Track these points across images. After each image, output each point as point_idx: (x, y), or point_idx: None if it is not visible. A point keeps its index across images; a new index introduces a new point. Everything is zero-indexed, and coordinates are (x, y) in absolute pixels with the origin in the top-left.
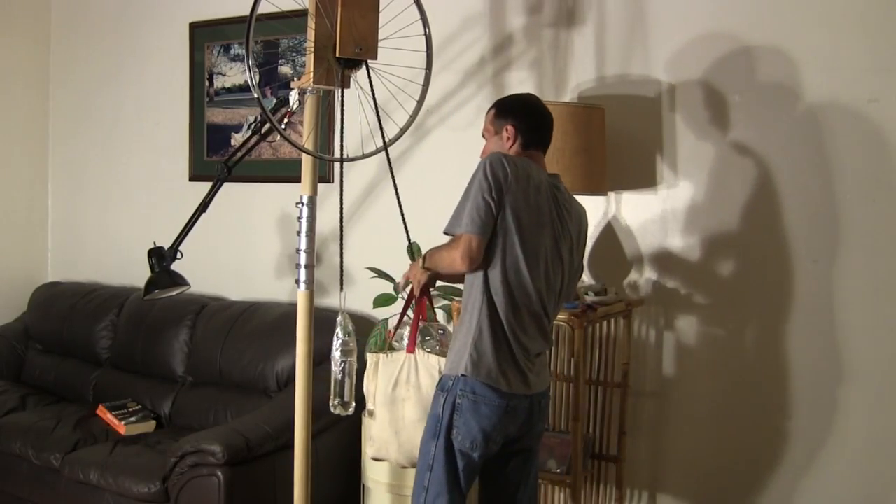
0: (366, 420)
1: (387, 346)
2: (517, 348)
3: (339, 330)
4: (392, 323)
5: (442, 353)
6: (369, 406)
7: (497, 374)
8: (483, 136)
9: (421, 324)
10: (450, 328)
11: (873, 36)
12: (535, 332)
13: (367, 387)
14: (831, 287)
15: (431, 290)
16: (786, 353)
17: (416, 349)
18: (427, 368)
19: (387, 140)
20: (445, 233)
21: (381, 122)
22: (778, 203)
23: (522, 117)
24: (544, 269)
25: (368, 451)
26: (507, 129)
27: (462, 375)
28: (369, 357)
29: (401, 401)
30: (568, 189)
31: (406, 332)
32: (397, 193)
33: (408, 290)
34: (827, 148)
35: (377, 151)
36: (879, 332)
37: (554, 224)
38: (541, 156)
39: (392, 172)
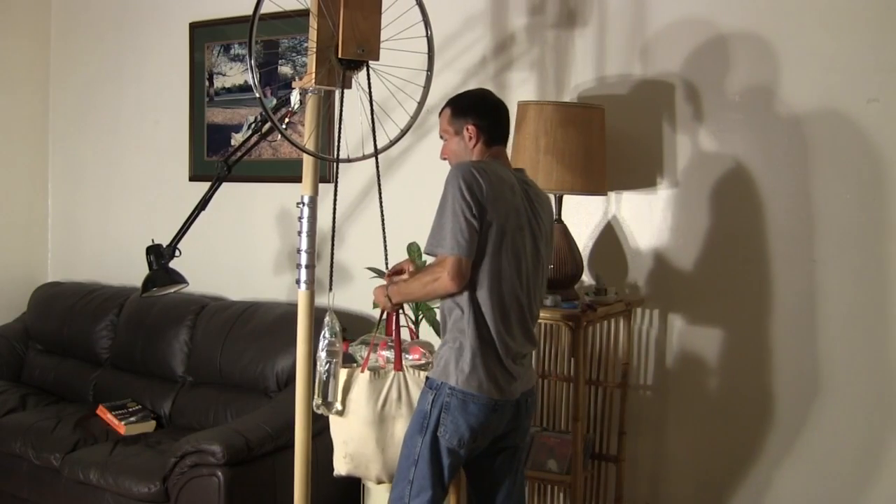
0: (334, 422)
1: (361, 368)
2: (506, 355)
3: (325, 330)
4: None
5: (427, 368)
6: (338, 405)
7: (489, 385)
8: (441, 136)
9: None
10: (431, 341)
11: (873, 36)
12: (522, 337)
13: (341, 393)
14: (831, 287)
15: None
16: (787, 353)
17: (404, 367)
18: (417, 384)
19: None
20: (427, 253)
21: (378, 126)
22: (778, 203)
23: (482, 115)
24: (527, 270)
25: (341, 467)
26: (468, 129)
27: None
28: (344, 371)
29: (391, 419)
30: (568, 189)
31: (375, 355)
32: (382, 213)
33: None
34: (827, 148)
35: (373, 155)
36: (879, 330)
37: (531, 222)
38: (503, 150)
39: (379, 186)
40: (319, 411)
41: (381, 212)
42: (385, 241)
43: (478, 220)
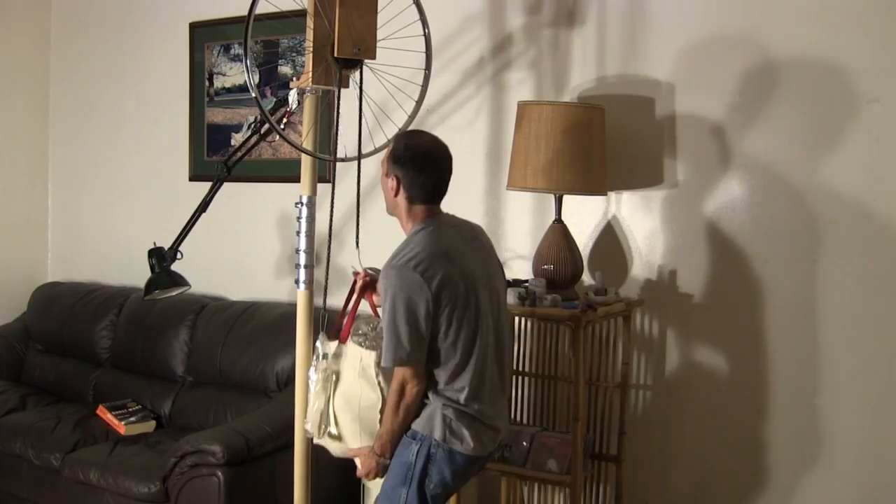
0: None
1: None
2: (486, 415)
3: (318, 344)
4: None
5: (371, 347)
6: (332, 429)
7: (475, 443)
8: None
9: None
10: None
11: (873, 36)
12: (497, 393)
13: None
14: (832, 288)
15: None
16: (787, 353)
17: (349, 339)
18: (350, 359)
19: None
20: (384, 367)
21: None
22: (777, 203)
23: (410, 172)
24: (492, 324)
25: (335, 451)
26: (392, 179)
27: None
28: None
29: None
30: (568, 189)
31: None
32: (358, 220)
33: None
34: (827, 148)
35: (374, 152)
36: (880, 329)
37: (482, 270)
38: (429, 208)
39: (358, 185)
40: (310, 435)
41: (357, 214)
42: (358, 241)
43: (431, 320)
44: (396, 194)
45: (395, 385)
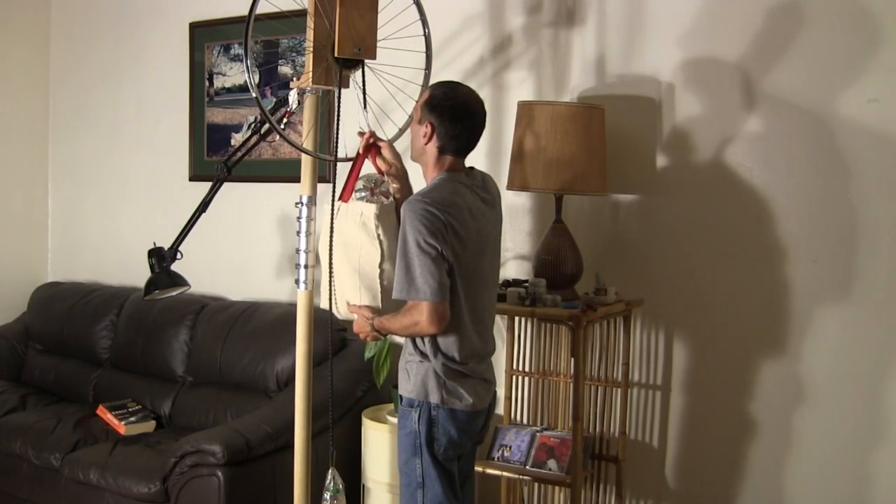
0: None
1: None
2: (476, 371)
3: (328, 482)
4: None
5: (371, 201)
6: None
7: (473, 398)
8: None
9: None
10: (386, 179)
11: (873, 36)
12: (487, 353)
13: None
14: (832, 287)
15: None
16: (788, 353)
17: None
18: (351, 214)
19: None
20: (398, 298)
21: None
22: (778, 203)
23: (445, 122)
24: (490, 287)
25: (339, 309)
26: (427, 126)
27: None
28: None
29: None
30: (568, 189)
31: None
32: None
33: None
34: (827, 148)
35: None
36: (882, 331)
37: (492, 234)
38: (457, 161)
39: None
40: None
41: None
42: (365, 103)
43: (447, 261)
44: (428, 142)
45: (413, 311)
